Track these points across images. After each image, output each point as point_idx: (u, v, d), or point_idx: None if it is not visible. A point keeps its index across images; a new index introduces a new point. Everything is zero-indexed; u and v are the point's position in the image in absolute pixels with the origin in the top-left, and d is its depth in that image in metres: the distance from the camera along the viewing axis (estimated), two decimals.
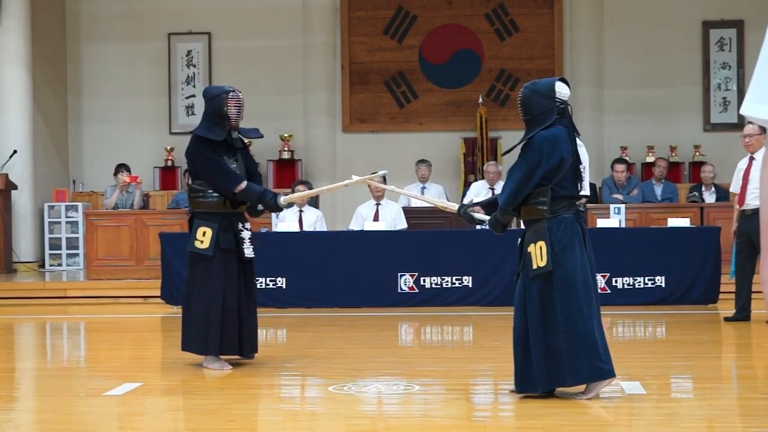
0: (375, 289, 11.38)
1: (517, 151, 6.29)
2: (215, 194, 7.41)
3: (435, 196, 13.76)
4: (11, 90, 15.21)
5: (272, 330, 9.99)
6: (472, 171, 16.16)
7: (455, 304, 11.28)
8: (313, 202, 13.33)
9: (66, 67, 17.38)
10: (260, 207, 7.52)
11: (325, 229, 12.54)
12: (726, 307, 10.45)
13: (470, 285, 11.34)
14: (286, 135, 16.60)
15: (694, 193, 14.68)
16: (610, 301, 10.72)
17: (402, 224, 12.31)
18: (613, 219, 11.84)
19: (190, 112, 17.25)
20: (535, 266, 6.07)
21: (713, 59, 16.74)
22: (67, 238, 15.88)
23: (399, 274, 11.38)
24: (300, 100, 17.06)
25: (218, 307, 7.32)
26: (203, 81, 17.15)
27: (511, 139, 15.08)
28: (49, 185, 16.41)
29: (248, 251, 7.46)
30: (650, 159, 16.14)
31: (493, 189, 13.47)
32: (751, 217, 9.31)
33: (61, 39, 17.28)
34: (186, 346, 7.54)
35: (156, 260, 12.84)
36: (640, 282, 11.27)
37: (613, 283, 11.25)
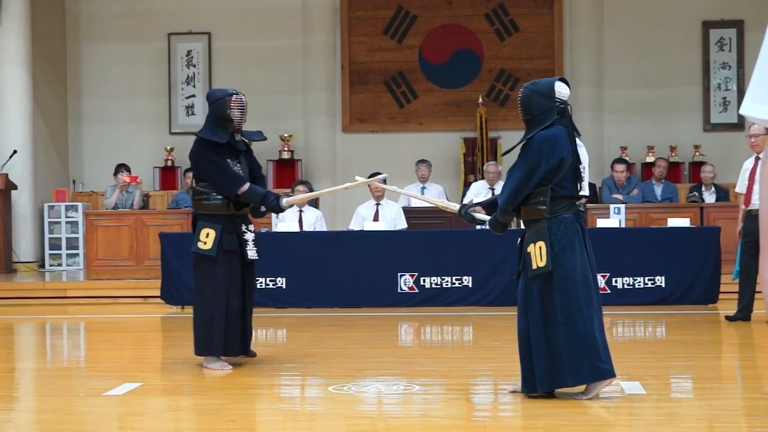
0: (375, 289, 11.38)
1: (517, 151, 6.28)
2: (219, 196, 7.43)
3: (435, 196, 13.76)
4: (11, 90, 15.21)
5: (272, 330, 9.98)
6: (472, 171, 16.16)
7: (455, 304, 11.28)
8: (313, 202, 13.33)
9: (66, 67, 17.38)
10: (263, 209, 7.54)
11: (325, 229, 12.53)
12: (726, 307, 10.46)
13: (470, 285, 11.34)
14: (286, 135, 16.59)
15: (694, 193, 14.67)
16: (610, 301, 10.70)
17: (402, 224, 12.31)
18: (613, 219, 11.84)
19: (190, 112, 17.25)
20: (534, 266, 6.07)
21: (713, 59, 16.74)
22: (67, 238, 15.88)
23: (399, 274, 11.38)
24: (300, 100, 17.06)
25: (222, 308, 7.33)
26: (203, 81, 17.16)
27: (511, 139, 15.10)
28: (49, 185, 16.41)
29: (251, 253, 7.48)
30: (650, 159, 16.14)
31: (493, 189, 13.47)
32: (756, 217, 9.28)
33: (61, 39, 17.28)
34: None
35: (156, 260, 12.83)
36: (640, 282, 11.27)
37: (613, 283, 11.25)
